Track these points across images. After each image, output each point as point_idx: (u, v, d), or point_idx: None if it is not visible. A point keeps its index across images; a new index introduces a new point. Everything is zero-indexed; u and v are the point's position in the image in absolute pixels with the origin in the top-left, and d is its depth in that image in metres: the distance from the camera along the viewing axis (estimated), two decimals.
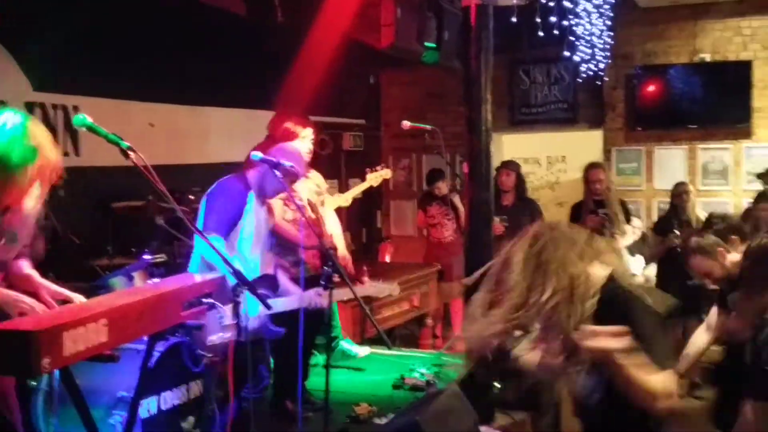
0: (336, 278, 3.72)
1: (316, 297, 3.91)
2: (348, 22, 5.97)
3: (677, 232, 6.14)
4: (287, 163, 3.81)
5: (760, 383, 2.89)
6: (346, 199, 5.59)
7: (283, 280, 4.13)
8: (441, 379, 5.38)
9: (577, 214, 6.57)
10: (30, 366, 2.05)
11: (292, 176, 3.90)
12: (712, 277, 3.68)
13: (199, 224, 3.79)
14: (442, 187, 7.30)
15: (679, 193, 6.63)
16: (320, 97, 7.38)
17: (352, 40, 6.22)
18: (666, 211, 7.17)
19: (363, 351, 5.94)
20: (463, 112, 5.23)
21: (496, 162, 6.34)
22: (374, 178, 5.74)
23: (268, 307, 3.31)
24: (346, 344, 5.95)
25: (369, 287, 4.53)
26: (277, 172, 3.77)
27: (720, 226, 4.04)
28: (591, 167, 6.65)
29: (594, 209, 6.41)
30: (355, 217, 8.66)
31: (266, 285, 3.86)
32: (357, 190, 5.74)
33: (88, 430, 2.61)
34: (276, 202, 4.41)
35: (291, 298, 3.93)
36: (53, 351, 2.10)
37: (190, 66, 6.13)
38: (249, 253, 3.91)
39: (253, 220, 3.91)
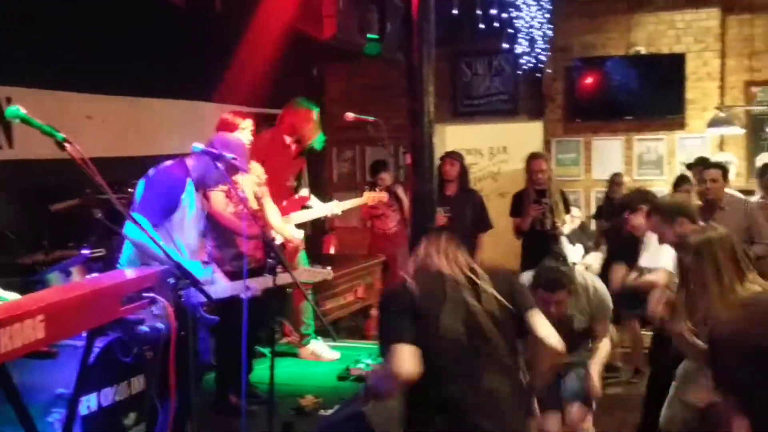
0: (280, 269, 3.71)
1: (252, 285, 3.89)
2: (290, 12, 5.94)
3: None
4: (230, 156, 3.78)
5: None
6: (332, 210, 5.62)
7: (216, 270, 4.10)
8: None
9: (519, 203, 6.68)
10: None
11: (234, 169, 3.87)
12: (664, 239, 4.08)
13: (133, 206, 3.75)
14: (386, 179, 7.32)
15: (614, 183, 6.80)
16: (262, 89, 7.32)
17: (295, 31, 6.19)
18: (603, 200, 7.34)
19: (333, 355, 5.77)
20: (405, 104, 5.26)
21: (438, 153, 6.40)
22: (370, 198, 5.79)
23: (208, 297, 3.29)
24: (318, 345, 5.82)
25: (302, 272, 4.50)
26: (219, 165, 3.74)
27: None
28: (533, 157, 6.75)
29: (537, 199, 6.52)
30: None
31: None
32: (349, 204, 5.77)
33: (26, 429, 2.56)
34: (218, 195, 4.38)
35: (225, 286, 3.91)
36: None
37: (128, 57, 6.00)
38: (186, 240, 3.86)
39: (190, 207, 3.87)
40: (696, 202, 5.74)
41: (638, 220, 4.70)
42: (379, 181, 7.42)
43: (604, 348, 4.22)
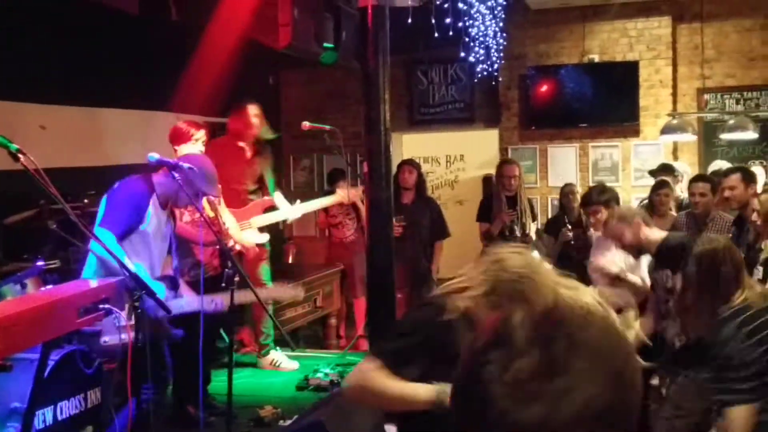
0: (236, 278, 3.71)
1: (217, 300, 3.88)
2: (245, 21, 5.93)
3: (569, 227, 6.38)
4: (185, 165, 3.77)
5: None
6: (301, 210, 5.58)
7: (181, 284, 4.08)
8: (345, 378, 5.41)
9: (488, 209, 6.68)
10: None
11: (197, 190, 3.87)
12: (622, 242, 4.05)
13: (97, 221, 3.72)
14: (343, 187, 7.34)
15: (566, 193, 6.88)
16: (218, 98, 7.29)
17: (250, 39, 6.17)
18: (556, 212, 7.43)
19: (293, 365, 5.72)
20: (362, 112, 5.29)
21: (396, 162, 6.44)
22: (346, 195, 5.76)
23: (166, 310, 3.27)
24: (277, 355, 5.77)
25: (273, 290, 4.51)
26: (176, 175, 3.73)
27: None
28: (505, 163, 6.81)
29: (508, 205, 6.56)
30: None
31: (167, 285, 3.81)
32: (320, 203, 5.72)
33: None
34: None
35: (190, 300, 3.89)
36: None
37: (83, 66, 5.94)
38: (150, 255, 3.84)
39: (153, 222, 3.85)
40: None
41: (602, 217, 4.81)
42: (336, 189, 7.43)
43: None
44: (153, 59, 6.61)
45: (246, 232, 5.21)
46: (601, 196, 5.31)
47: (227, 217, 4.99)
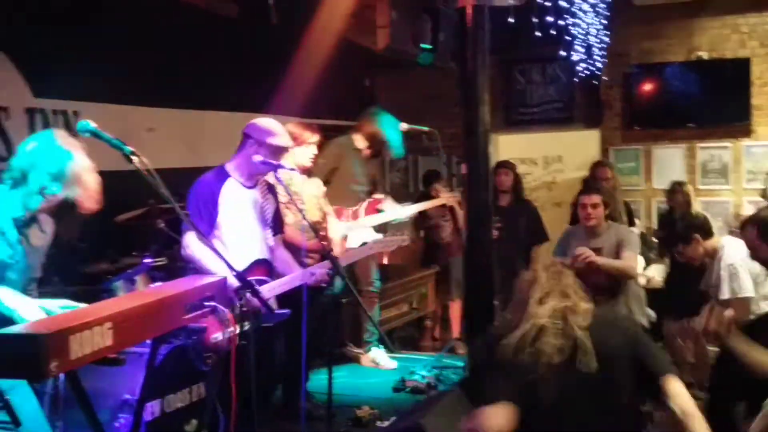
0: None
1: (316, 271, 3.92)
2: (343, 23, 5.99)
3: None
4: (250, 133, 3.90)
5: None
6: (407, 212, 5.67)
7: (284, 256, 4.13)
8: (441, 381, 5.39)
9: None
10: (38, 369, 2.06)
11: (277, 151, 3.92)
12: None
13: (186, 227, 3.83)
14: (439, 189, 7.31)
15: (673, 192, 6.63)
16: (315, 100, 7.39)
17: (347, 41, 6.23)
18: (665, 211, 7.16)
19: (391, 364, 5.80)
20: (459, 114, 5.24)
21: (492, 163, 6.35)
22: (447, 198, 5.83)
23: (269, 309, 3.32)
24: (378, 353, 5.83)
25: (379, 243, 4.47)
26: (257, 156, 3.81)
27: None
28: (598, 165, 6.65)
29: None
30: None
31: (260, 271, 3.86)
32: (424, 206, 5.79)
33: None
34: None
35: (292, 277, 3.93)
36: (60, 354, 2.11)
37: (187, 70, 6.13)
38: (235, 241, 3.91)
39: (231, 207, 3.89)
40: None
41: (692, 251, 4.61)
42: (432, 191, 7.41)
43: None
44: (253, 62, 6.76)
45: (359, 231, 5.27)
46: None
47: (334, 224, 5.06)
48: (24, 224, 2.92)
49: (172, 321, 2.74)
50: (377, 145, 5.64)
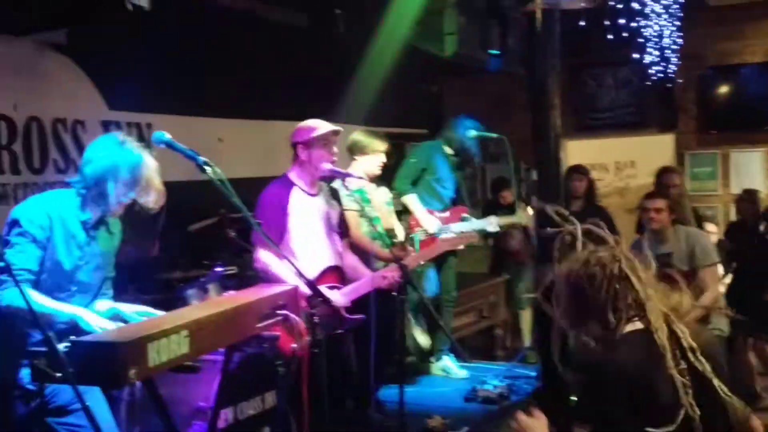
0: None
1: (387, 274, 3.91)
2: (410, 31, 5.98)
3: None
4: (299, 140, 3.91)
5: None
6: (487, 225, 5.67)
7: (352, 261, 4.13)
8: (514, 391, 5.30)
9: None
10: (117, 377, 2.10)
11: (328, 139, 3.93)
12: None
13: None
14: (508, 196, 7.23)
15: (744, 201, 6.40)
16: (382, 108, 7.40)
17: (413, 48, 6.21)
18: (735, 223, 6.93)
19: (462, 373, 5.76)
20: (528, 119, 5.18)
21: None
22: (525, 216, 5.83)
23: (342, 316, 3.32)
24: (449, 362, 5.80)
25: (446, 240, 4.43)
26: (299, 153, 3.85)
27: None
28: (665, 171, 6.46)
29: None
30: None
31: (332, 278, 3.86)
32: (505, 221, 5.80)
33: None
34: (351, 215, 4.44)
35: (363, 281, 3.94)
36: (139, 362, 2.14)
37: (256, 81, 6.21)
38: (305, 249, 3.92)
39: (299, 216, 3.90)
40: None
41: None
42: (501, 198, 7.32)
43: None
44: (321, 71, 6.81)
45: (444, 236, 5.28)
46: None
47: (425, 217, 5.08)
48: (92, 227, 2.98)
49: (246, 329, 2.76)
50: (463, 153, 5.67)
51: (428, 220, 5.37)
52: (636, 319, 2.24)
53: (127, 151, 2.91)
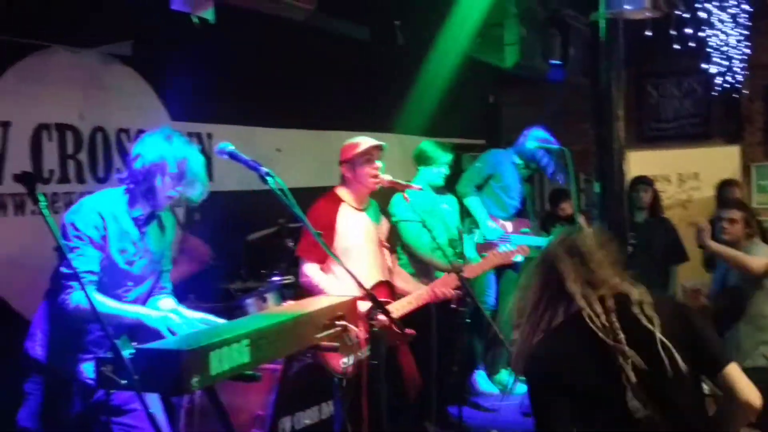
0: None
1: (442, 288, 3.87)
2: (469, 42, 5.94)
3: None
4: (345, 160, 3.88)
5: None
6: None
7: (403, 274, 4.10)
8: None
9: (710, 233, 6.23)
10: (180, 384, 2.10)
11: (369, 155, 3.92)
12: None
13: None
14: (566, 208, 7.11)
15: None
16: (440, 119, 7.37)
17: (472, 59, 6.17)
18: None
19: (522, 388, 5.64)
20: (588, 130, 5.08)
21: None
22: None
23: (400, 329, 3.28)
24: (508, 379, 5.60)
25: (494, 255, 4.35)
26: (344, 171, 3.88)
27: None
28: (726, 184, 6.32)
29: None
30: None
31: (382, 293, 3.83)
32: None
33: None
34: (412, 226, 4.43)
35: (417, 294, 3.91)
36: (201, 370, 2.14)
37: (314, 92, 6.25)
38: (355, 265, 3.89)
39: (348, 232, 3.88)
40: None
41: None
42: (559, 210, 7.21)
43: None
44: (380, 83, 6.81)
45: (500, 248, 5.20)
46: None
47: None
48: (144, 222, 3.03)
49: (305, 340, 2.75)
50: (532, 164, 5.65)
51: (488, 226, 5.30)
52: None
53: (174, 145, 2.96)
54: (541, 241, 5.53)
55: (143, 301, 3.05)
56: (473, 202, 5.39)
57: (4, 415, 3.07)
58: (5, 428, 3.08)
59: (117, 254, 2.92)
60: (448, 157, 4.71)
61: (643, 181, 6.47)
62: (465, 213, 5.50)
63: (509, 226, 5.54)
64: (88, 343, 2.91)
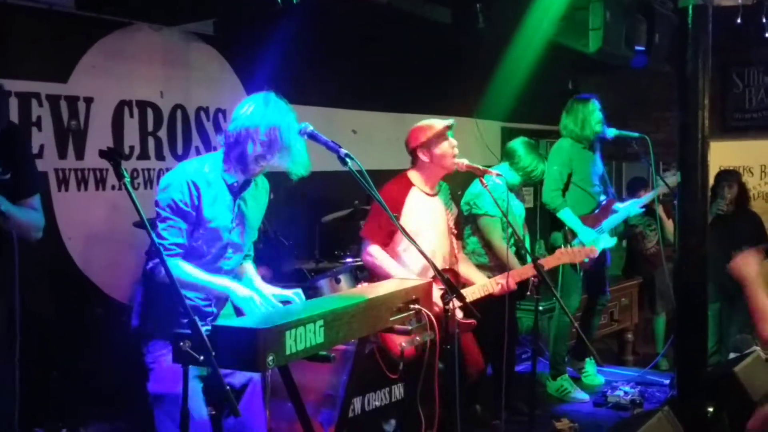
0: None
1: (502, 280, 3.86)
2: (552, 26, 5.81)
3: None
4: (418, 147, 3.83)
5: None
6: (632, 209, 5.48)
7: (466, 264, 4.09)
8: (646, 399, 5.10)
9: None
10: (256, 361, 2.14)
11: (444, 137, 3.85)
12: None
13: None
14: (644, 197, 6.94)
15: None
16: (518, 104, 7.27)
17: (554, 44, 6.04)
18: None
19: (582, 397, 5.32)
20: (667, 118, 4.94)
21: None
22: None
23: (474, 314, 3.27)
24: (568, 383, 5.40)
25: (563, 254, 4.27)
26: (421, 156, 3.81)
27: None
28: None
29: None
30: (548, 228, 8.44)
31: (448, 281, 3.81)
32: (650, 196, 5.53)
33: (303, 425, 2.69)
34: (491, 221, 4.41)
35: (483, 285, 3.91)
36: (277, 349, 2.18)
37: (392, 74, 6.25)
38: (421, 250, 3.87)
39: (415, 217, 3.81)
40: None
41: None
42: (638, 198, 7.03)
43: None
44: (460, 67, 6.76)
45: (597, 240, 5.09)
46: None
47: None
48: (239, 189, 2.96)
49: (379, 322, 2.75)
50: (587, 137, 5.39)
51: (584, 233, 5.13)
52: None
53: (269, 111, 2.84)
54: (651, 196, 5.35)
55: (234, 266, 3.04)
56: (566, 215, 5.15)
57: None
58: None
59: (215, 221, 2.87)
60: (537, 169, 4.68)
61: (729, 174, 6.28)
62: (558, 225, 5.31)
63: (598, 215, 5.32)
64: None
